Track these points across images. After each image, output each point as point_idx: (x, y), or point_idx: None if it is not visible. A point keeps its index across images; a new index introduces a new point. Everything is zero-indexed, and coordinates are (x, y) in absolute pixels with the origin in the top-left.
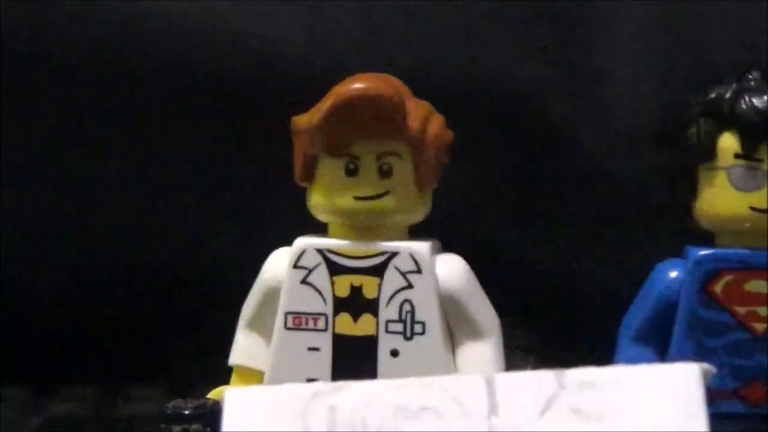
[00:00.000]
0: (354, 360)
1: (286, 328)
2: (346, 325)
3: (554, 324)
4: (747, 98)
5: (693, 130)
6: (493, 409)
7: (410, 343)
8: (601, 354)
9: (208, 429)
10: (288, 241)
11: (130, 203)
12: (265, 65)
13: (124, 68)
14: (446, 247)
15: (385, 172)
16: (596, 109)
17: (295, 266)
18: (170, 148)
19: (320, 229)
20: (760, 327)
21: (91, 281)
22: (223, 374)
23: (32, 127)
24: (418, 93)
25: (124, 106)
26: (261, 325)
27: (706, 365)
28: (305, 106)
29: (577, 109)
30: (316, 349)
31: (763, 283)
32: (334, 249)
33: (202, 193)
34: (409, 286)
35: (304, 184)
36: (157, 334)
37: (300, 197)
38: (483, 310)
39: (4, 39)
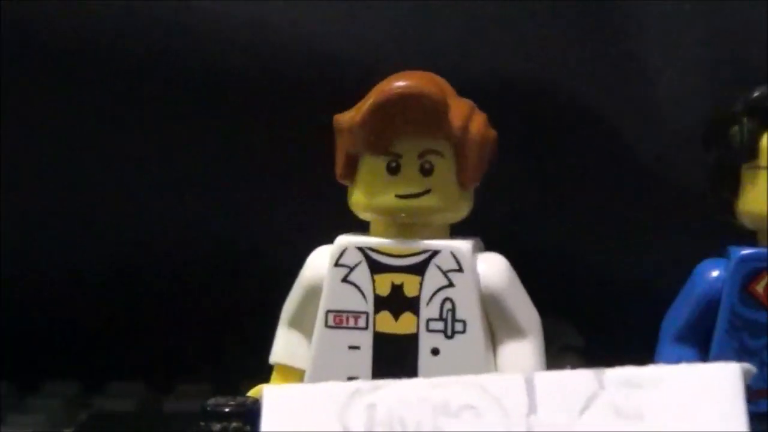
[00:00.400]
0: (394, 358)
1: (327, 326)
2: (386, 323)
3: (596, 322)
4: None
5: (736, 129)
6: (532, 409)
7: (451, 341)
8: (643, 353)
9: (248, 427)
10: (329, 239)
11: (166, 197)
12: (295, 59)
13: (139, 63)
14: (488, 245)
15: (426, 171)
16: (640, 107)
17: (336, 264)
18: (215, 143)
19: (361, 227)
20: None
21: (138, 278)
22: (266, 372)
23: (36, 125)
24: (461, 92)
25: (142, 100)
26: (302, 323)
27: (746, 365)
28: (344, 103)
29: (621, 107)
30: (356, 347)
31: None
32: (375, 247)
33: (243, 189)
34: (450, 284)
35: (345, 182)
36: (203, 331)
37: (342, 195)
38: (524, 309)
39: (4, 39)
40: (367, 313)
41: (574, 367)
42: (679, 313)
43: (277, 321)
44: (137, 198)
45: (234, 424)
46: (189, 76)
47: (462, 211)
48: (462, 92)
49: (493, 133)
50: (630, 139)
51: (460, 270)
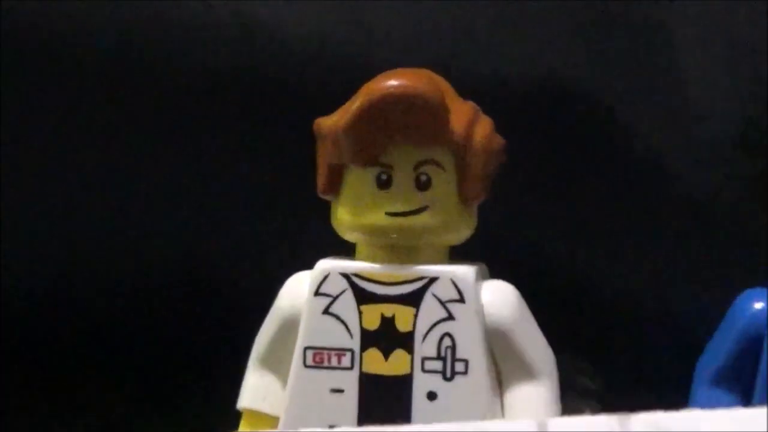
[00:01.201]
0: (384, 403)
1: (306, 365)
2: (375, 362)
3: (619, 361)
4: None
5: None
6: None
7: (450, 384)
8: (674, 396)
9: None
10: (309, 264)
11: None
12: (279, 61)
13: (132, 71)
14: (494, 272)
15: (423, 184)
16: (674, 117)
17: (317, 293)
18: (173, 151)
19: (346, 250)
20: None
21: (87, 308)
22: (234, 419)
23: (34, 130)
24: (463, 94)
25: (128, 111)
26: (275, 363)
27: None
28: (330, 106)
29: (654, 116)
30: (339, 390)
31: None
32: (362, 273)
33: (209, 203)
34: (450, 317)
35: (327, 198)
36: (159, 372)
37: (324, 212)
38: (536, 345)
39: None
40: (352, 351)
41: (593, 412)
42: (717, 351)
43: (246, 359)
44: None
45: None
46: (162, 89)
47: (464, 231)
48: (464, 94)
49: (500, 140)
50: (658, 151)
51: (461, 300)
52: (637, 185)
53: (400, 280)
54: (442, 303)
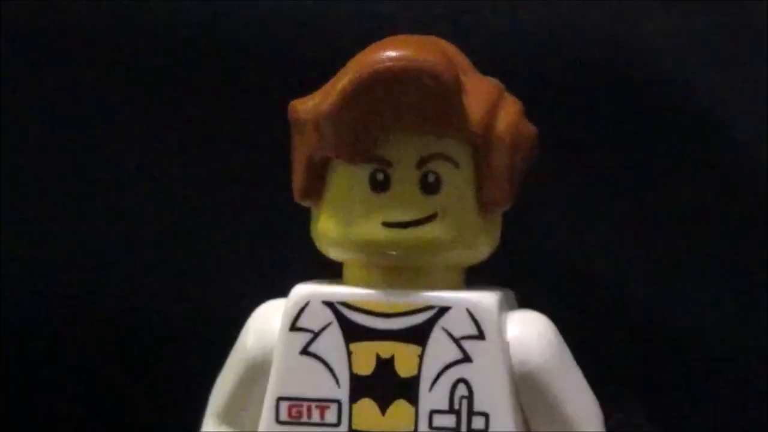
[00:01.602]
0: None
1: (279, 421)
2: (369, 417)
3: (681, 408)
4: None
5: None
6: None
7: None
8: None
9: None
10: (282, 289)
11: None
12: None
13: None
14: (524, 299)
15: (430, 186)
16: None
17: (293, 328)
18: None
19: (331, 272)
20: None
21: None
22: None
23: None
24: (484, 67)
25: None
26: (239, 417)
27: None
28: (309, 85)
29: (731, 103)
30: None
31: None
32: (352, 302)
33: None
34: (466, 359)
35: (306, 204)
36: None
37: (301, 221)
38: (577, 395)
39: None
40: (339, 402)
41: None
42: None
43: (201, 412)
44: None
45: None
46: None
47: (484, 246)
48: (486, 67)
49: (531, 128)
50: (738, 147)
51: (480, 336)
52: (718, 194)
53: (402, 310)
54: (456, 340)
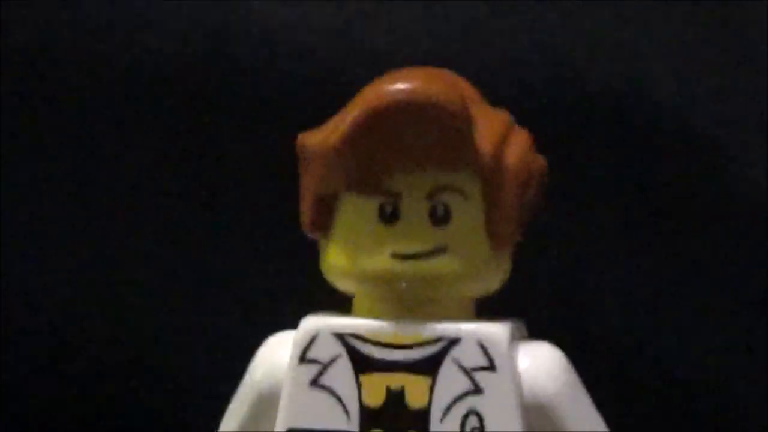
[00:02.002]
0: None
1: None
2: None
3: None
4: None
5: None
6: None
7: None
8: None
9: None
10: (291, 322)
11: None
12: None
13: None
14: (535, 331)
15: (440, 218)
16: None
17: (302, 360)
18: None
19: (340, 303)
20: None
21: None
22: None
23: None
24: (494, 101)
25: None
26: None
27: None
28: (318, 118)
29: (746, 137)
30: None
31: None
32: (362, 333)
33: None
34: (477, 390)
35: (315, 236)
36: None
37: (311, 254)
38: (589, 426)
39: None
40: None
41: None
42: None
43: None
44: None
45: None
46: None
47: (494, 278)
48: (493, 100)
49: (540, 161)
50: (742, 178)
51: (491, 368)
52: (725, 226)
53: (412, 342)
54: (467, 371)
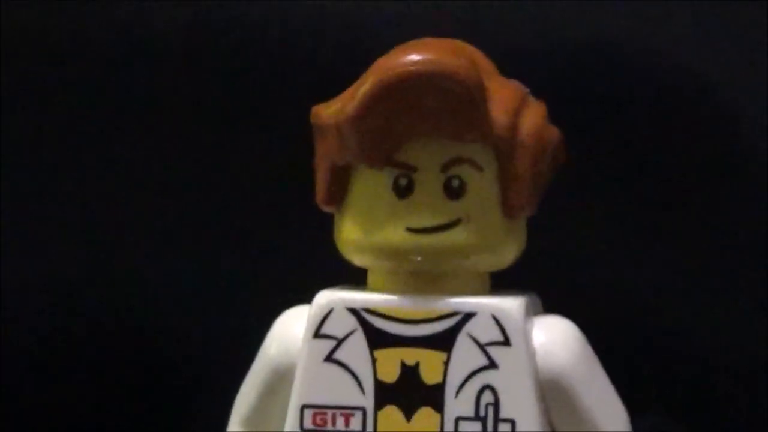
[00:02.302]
0: None
1: (303, 428)
2: (394, 424)
3: (710, 421)
4: None
5: None
6: None
7: None
8: None
9: None
10: (306, 296)
11: None
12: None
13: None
14: (550, 305)
15: (454, 191)
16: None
17: (317, 335)
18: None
19: (355, 278)
20: None
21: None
22: None
23: None
24: (508, 71)
25: None
26: (263, 425)
27: None
28: (332, 90)
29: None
30: None
31: None
32: (377, 308)
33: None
34: (492, 365)
35: (329, 209)
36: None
37: (326, 227)
38: (604, 401)
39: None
40: (363, 410)
41: None
42: None
43: (224, 421)
44: None
45: None
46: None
47: (509, 252)
48: (510, 70)
49: (555, 132)
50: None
51: (506, 343)
52: (736, 199)
53: (426, 316)
54: (481, 346)
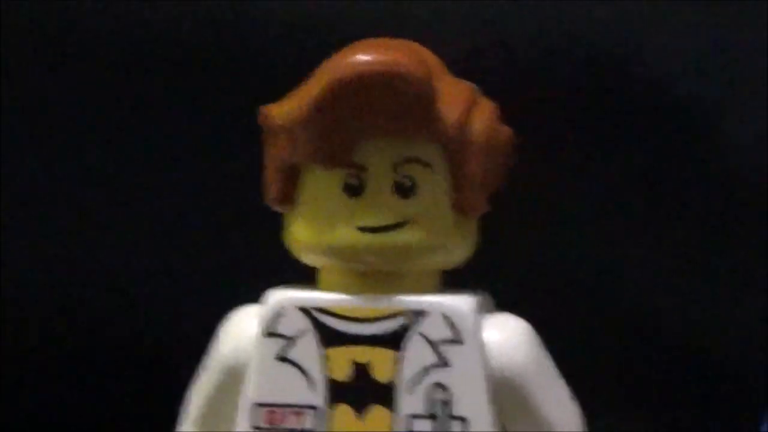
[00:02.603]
0: None
1: (255, 427)
2: (346, 422)
3: (678, 417)
4: None
5: None
6: None
7: None
8: None
9: None
10: (256, 295)
11: None
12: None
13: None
14: (502, 303)
15: (405, 190)
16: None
17: (269, 334)
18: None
19: (305, 276)
20: None
21: None
22: None
23: None
24: (462, 71)
25: None
26: (213, 424)
27: None
28: (280, 89)
29: (738, 108)
30: None
31: None
32: (328, 307)
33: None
34: (444, 363)
35: (279, 209)
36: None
37: (275, 226)
38: (557, 399)
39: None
40: (315, 408)
41: None
42: None
43: (174, 420)
44: None
45: None
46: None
47: (460, 250)
48: (459, 71)
49: (506, 131)
50: (745, 151)
51: (457, 341)
52: (723, 195)
53: (378, 315)
54: (433, 345)
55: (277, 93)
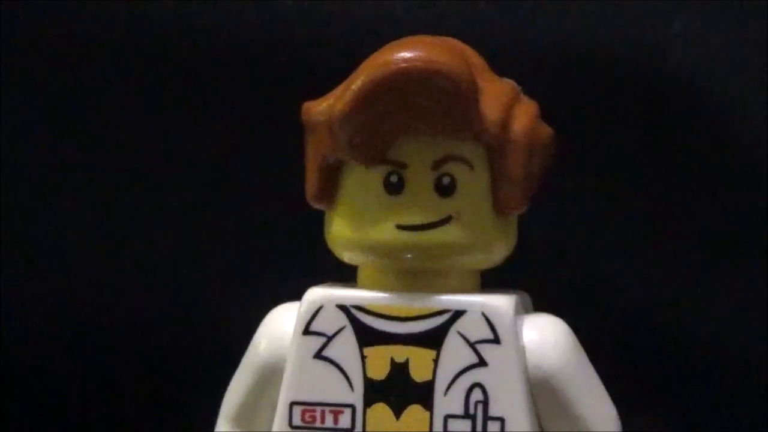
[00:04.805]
0: None
1: (292, 426)
2: (383, 422)
3: (679, 417)
4: None
5: None
6: None
7: None
8: None
9: None
10: (295, 293)
11: None
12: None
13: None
14: (540, 304)
15: (445, 189)
16: None
17: (306, 332)
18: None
19: (345, 275)
20: None
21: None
22: None
23: None
24: (501, 69)
25: None
26: (251, 422)
27: None
28: (323, 86)
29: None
30: None
31: None
32: (367, 305)
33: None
34: (482, 363)
35: (319, 206)
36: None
37: (315, 225)
38: (594, 400)
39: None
40: (353, 407)
41: None
42: None
43: (214, 418)
44: None
45: None
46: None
47: (500, 250)
48: (502, 69)
49: (547, 130)
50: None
51: (496, 341)
52: (735, 198)
53: (416, 314)
54: (471, 344)
55: (318, 91)
